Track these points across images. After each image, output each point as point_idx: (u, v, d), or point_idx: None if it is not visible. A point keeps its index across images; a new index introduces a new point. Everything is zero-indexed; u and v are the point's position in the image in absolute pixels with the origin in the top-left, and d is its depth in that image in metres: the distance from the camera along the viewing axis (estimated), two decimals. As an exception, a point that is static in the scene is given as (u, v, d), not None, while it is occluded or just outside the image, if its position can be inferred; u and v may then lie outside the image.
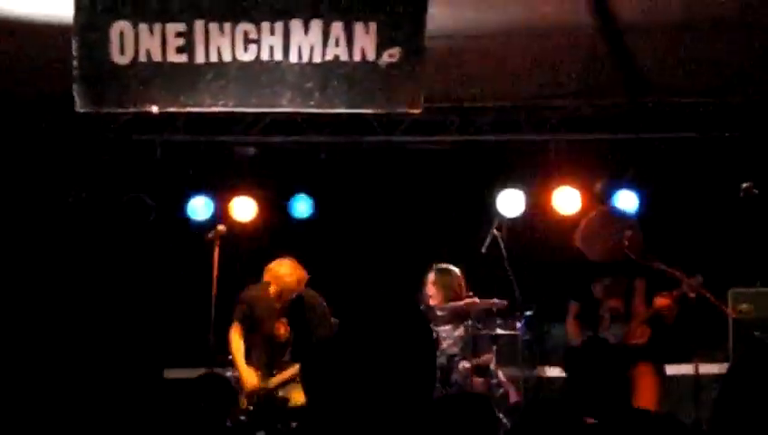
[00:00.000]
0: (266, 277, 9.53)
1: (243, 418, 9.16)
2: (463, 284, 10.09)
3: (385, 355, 3.10)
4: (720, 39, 9.14)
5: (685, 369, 9.68)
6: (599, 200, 10.37)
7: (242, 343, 9.48)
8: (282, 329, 9.43)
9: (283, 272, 9.49)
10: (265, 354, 9.47)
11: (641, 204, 10.35)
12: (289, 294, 9.43)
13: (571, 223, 10.34)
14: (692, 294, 8.64)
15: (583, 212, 9.99)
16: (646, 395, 8.27)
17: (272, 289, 9.48)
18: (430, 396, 3.18)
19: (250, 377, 9.34)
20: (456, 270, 10.14)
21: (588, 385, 5.82)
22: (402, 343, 3.13)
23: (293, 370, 9.30)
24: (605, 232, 8.85)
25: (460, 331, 9.88)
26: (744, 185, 10.04)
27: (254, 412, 9.24)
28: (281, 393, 9.32)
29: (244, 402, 9.27)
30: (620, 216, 9.09)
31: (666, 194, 10.42)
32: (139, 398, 10.14)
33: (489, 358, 9.76)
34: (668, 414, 5.85)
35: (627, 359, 5.85)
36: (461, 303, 9.83)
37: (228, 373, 9.30)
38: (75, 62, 8.20)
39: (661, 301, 8.58)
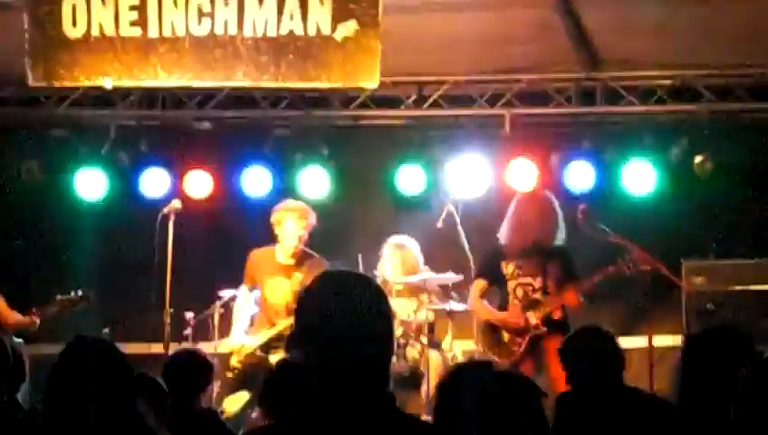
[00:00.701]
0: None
1: (230, 375, 9.28)
2: (419, 258, 10.12)
3: (343, 326, 3.11)
4: (676, 12, 9.17)
5: (639, 341, 9.74)
6: (554, 173, 10.40)
7: (244, 302, 9.75)
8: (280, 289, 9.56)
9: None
10: (265, 316, 9.66)
11: (596, 176, 10.38)
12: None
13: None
14: (628, 271, 8.79)
15: (540, 187, 10.03)
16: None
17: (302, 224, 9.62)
18: (387, 368, 3.19)
19: (236, 337, 9.56)
20: (412, 244, 10.17)
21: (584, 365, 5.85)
22: (361, 314, 3.13)
23: (275, 330, 9.39)
24: (521, 222, 9.04)
25: (416, 305, 9.90)
26: (698, 159, 10.13)
27: (241, 371, 9.35)
28: (260, 353, 9.42)
29: (233, 362, 9.53)
30: (531, 203, 9.26)
31: (620, 168, 10.45)
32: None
33: (444, 333, 9.79)
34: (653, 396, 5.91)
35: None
36: (417, 277, 9.84)
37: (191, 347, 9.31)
38: (27, 36, 8.13)
39: (571, 297, 8.80)
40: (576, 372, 5.86)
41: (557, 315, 8.96)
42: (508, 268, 9.13)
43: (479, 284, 9.25)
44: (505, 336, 9.10)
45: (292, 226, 9.61)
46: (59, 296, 9.91)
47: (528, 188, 9.85)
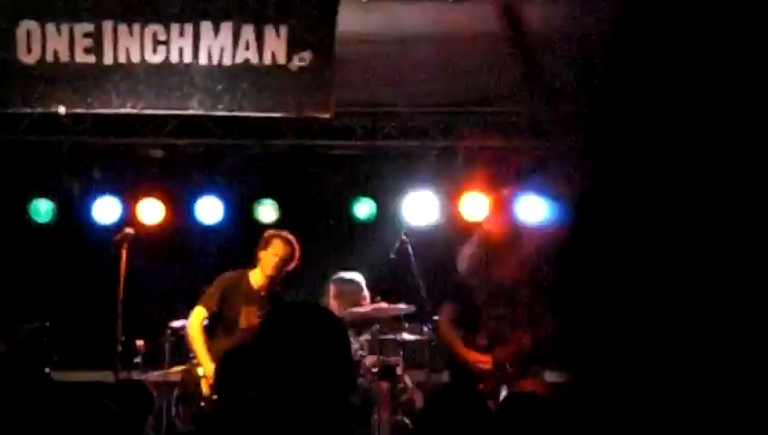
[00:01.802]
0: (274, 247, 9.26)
1: (203, 405, 8.86)
2: (364, 291, 10.04)
3: (302, 358, 3.11)
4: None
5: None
6: (506, 207, 10.44)
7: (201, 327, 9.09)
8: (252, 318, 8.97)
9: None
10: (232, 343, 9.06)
11: (549, 210, 10.44)
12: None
13: (476, 229, 10.44)
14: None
15: (489, 219, 10.05)
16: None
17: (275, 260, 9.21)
18: (347, 398, 3.20)
19: (207, 364, 8.86)
20: (357, 277, 10.10)
21: None
22: (318, 346, 3.14)
23: None
24: (490, 249, 8.85)
25: (366, 336, 9.88)
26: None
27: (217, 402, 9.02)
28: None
29: (206, 391, 8.89)
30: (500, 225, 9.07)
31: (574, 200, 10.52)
32: (34, 400, 9.98)
33: (396, 361, 9.78)
34: None
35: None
36: (367, 308, 9.82)
37: (143, 377, 9.22)
38: (-19, 61, 8.10)
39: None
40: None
41: (525, 353, 8.56)
42: (478, 297, 8.75)
43: (448, 309, 8.86)
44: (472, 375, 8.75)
45: (284, 261, 9.27)
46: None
47: (494, 219, 9.72)
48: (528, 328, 8.48)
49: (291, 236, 9.21)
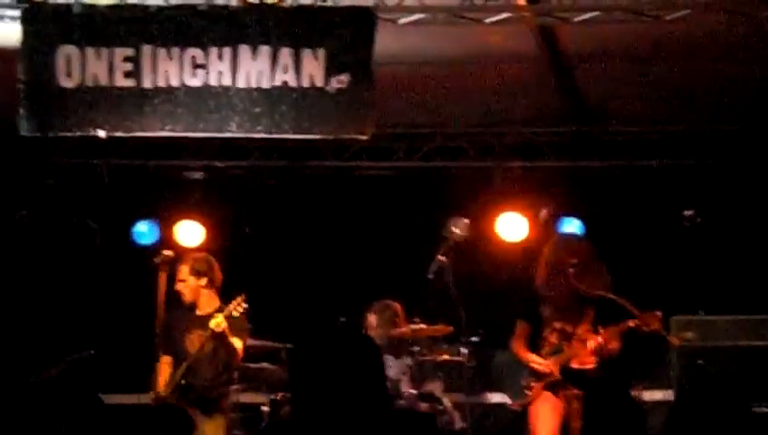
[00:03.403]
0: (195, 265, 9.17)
1: None
2: (401, 317, 10.01)
3: (337, 378, 3.12)
4: (665, 68, 9.26)
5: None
6: (544, 228, 10.44)
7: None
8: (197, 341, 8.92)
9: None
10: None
11: (585, 231, 10.42)
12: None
13: (516, 249, 10.43)
14: (646, 330, 8.72)
15: (530, 239, 10.07)
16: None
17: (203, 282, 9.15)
18: (382, 417, 3.21)
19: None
20: (394, 305, 10.09)
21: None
22: (352, 367, 3.15)
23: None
24: (553, 264, 8.92)
25: (405, 358, 9.86)
26: (687, 213, 10.17)
27: None
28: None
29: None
30: (568, 246, 9.11)
31: (610, 221, 10.50)
32: (80, 424, 10.03)
33: (435, 385, 9.76)
34: None
35: None
36: (405, 329, 9.81)
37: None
38: (21, 86, 8.15)
39: (613, 344, 8.66)
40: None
41: (575, 365, 8.77)
42: (545, 312, 8.92)
43: (521, 325, 9.03)
44: (527, 380, 8.98)
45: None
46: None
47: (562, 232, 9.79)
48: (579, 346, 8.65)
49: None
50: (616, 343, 8.67)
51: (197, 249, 10.76)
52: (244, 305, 8.76)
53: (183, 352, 8.97)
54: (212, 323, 8.59)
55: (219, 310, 8.76)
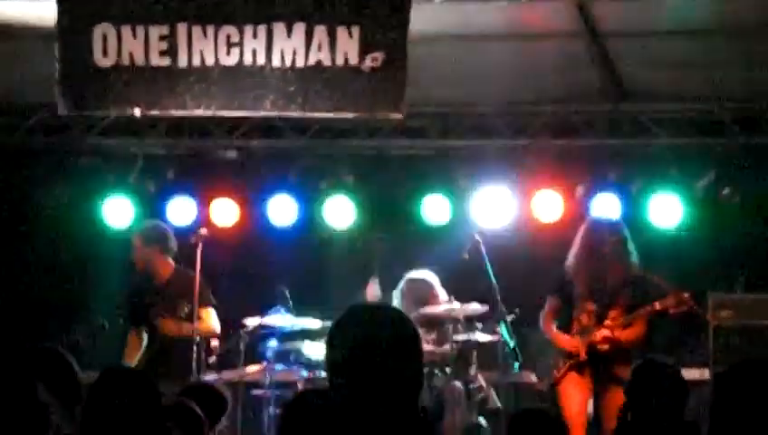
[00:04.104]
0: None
1: None
2: (436, 289, 10.01)
3: (373, 359, 3.12)
4: (702, 46, 9.19)
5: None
6: (580, 206, 10.40)
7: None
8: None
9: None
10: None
11: (622, 208, 10.37)
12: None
13: (552, 228, 10.39)
14: (674, 312, 8.73)
15: (565, 218, 10.04)
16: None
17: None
18: (416, 398, 3.21)
19: None
20: (429, 276, 10.07)
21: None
22: (390, 348, 3.15)
23: None
24: (587, 246, 8.94)
25: (438, 335, 9.85)
26: (725, 191, 10.11)
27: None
28: None
29: None
30: (602, 228, 9.12)
31: (645, 198, 10.45)
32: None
33: (469, 362, 9.76)
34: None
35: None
36: (439, 308, 9.80)
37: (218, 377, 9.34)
38: (58, 65, 8.18)
39: (627, 332, 8.73)
40: (640, 404, 5.92)
41: (604, 346, 8.81)
42: (577, 291, 8.98)
43: (551, 301, 9.09)
44: (556, 359, 9.03)
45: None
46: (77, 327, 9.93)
47: (597, 215, 9.82)
48: (614, 328, 8.68)
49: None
50: (639, 327, 8.72)
51: (231, 228, 10.82)
52: None
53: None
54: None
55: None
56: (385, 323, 3.22)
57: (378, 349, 3.14)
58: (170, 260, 9.43)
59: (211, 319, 9.39)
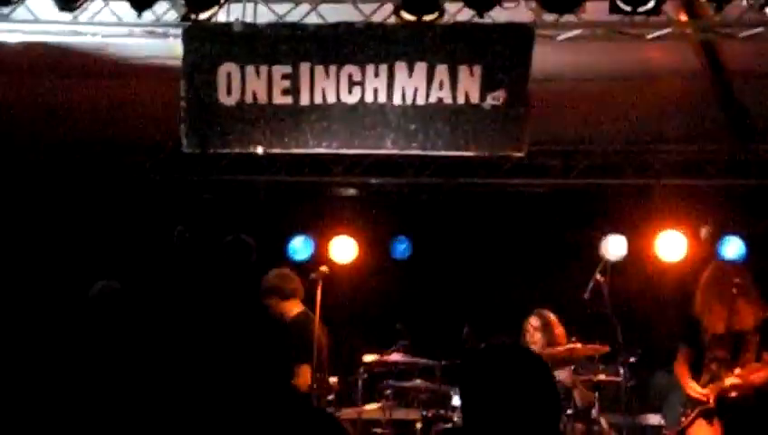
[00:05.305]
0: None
1: None
2: (562, 329, 9.99)
3: (511, 403, 3.12)
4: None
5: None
6: (705, 247, 10.24)
7: None
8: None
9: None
10: None
11: (747, 250, 10.18)
12: None
13: (675, 269, 10.24)
14: None
15: (689, 258, 9.87)
16: None
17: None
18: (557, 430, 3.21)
19: None
20: (551, 315, 10.05)
21: None
22: (527, 390, 3.14)
23: None
24: (712, 291, 8.77)
25: (562, 375, 9.76)
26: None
27: None
28: None
29: None
30: (727, 271, 8.93)
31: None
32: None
33: (591, 404, 9.63)
34: None
35: None
36: (562, 348, 9.73)
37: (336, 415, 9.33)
38: (183, 103, 8.29)
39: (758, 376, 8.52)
40: None
41: (734, 394, 8.62)
42: (705, 337, 8.82)
43: (683, 351, 8.93)
44: (685, 405, 8.86)
45: None
46: None
47: (723, 257, 9.66)
48: (745, 376, 8.49)
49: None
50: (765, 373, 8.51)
51: (352, 266, 10.85)
52: None
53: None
54: None
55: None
56: (522, 364, 3.21)
57: (516, 391, 3.13)
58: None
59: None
